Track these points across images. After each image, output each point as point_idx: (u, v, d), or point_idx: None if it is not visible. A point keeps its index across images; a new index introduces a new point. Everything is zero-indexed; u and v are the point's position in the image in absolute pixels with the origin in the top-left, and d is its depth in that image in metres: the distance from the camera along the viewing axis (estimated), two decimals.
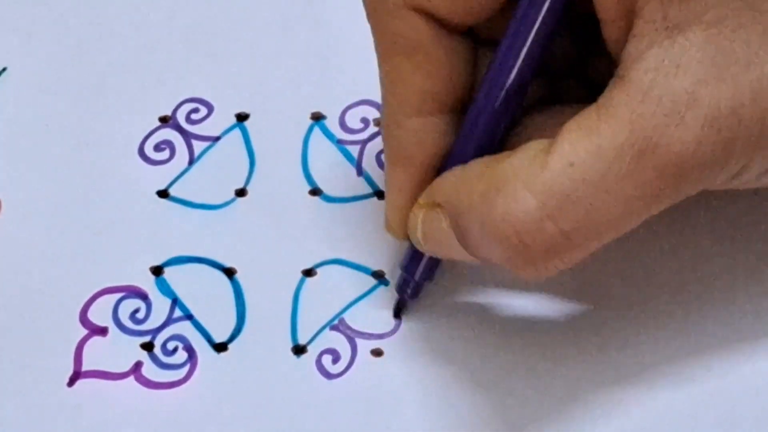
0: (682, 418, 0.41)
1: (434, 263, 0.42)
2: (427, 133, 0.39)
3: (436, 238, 0.39)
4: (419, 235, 0.39)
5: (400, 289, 0.43)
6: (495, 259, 0.37)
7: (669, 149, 0.34)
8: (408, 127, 0.39)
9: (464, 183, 0.38)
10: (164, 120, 0.47)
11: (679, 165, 0.35)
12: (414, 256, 0.41)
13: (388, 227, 0.42)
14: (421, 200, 0.40)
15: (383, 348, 0.42)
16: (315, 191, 0.45)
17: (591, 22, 0.37)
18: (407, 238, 0.41)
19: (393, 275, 0.44)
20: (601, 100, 0.35)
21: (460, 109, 0.40)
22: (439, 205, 0.38)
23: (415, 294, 0.42)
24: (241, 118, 0.47)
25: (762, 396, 0.41)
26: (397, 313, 0.43)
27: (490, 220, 0.36)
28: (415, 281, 0.42)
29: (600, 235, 0.36)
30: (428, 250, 0.40)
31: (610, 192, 0.35)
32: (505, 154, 0.37)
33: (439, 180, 0.39)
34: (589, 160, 0.35)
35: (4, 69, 0.48)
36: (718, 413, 0.41)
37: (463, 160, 0.38)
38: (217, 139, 0.47)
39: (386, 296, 0.43)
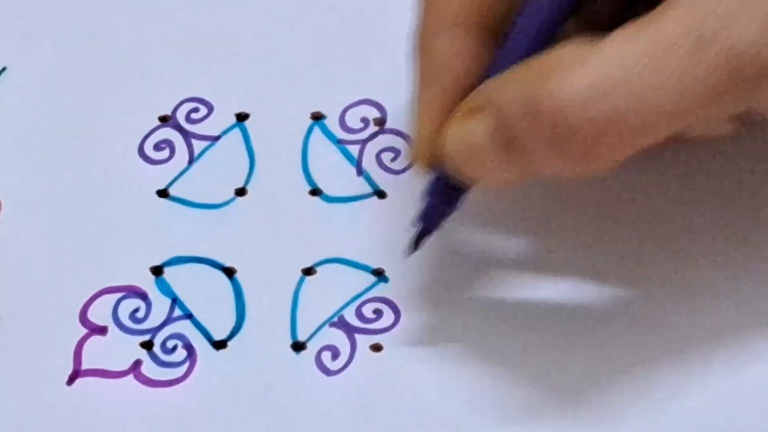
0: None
1: (459, 192, 0.39)
2: (465, 46, 0.38)
3: (470, 148, 0.36)
4: (450, 148, 0.37)
5: (424, 217, 0.40)
6: (537, 153, 0.35)
7: (729, 39, 0.33)
8: (445, 40, 0.38)
9: (508, 80, 0.36)
10: (164, 119, 0.47)
11: (739, 56, 0.33)
12: (432, 207, 0.40)
13: (414, 153, 0.39)
14: (457, 112, 0.37)
15: (383, 343, 0.42)
16: (315, 191, 0.45)
17: None
18: (433, 167, 0.39)
19: (393, 272, 0.44)
20: (657, 8, 0.34)
21: (499, 29, 0.38)
22: (478, 110, 0.36)
23: (438, 223, 0.40)
24: (241, 117, 0.47)
25: None
26: (417, 242, 0.41)
27: (536, 100, 0.34)
28: (440, 209, 0.40)
29: (652, 127, 0.34)
30: (458, 166, 0.37)
31: (665, 79, 0.33)
32: (551, 48, 0.35)
33: (478, 88, 0.37)
34: (645, 46, 0.33)
35: (4, 69, 0.48)
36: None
37: None
38: (216, 138, 0.47)
39: (386, 293, 0.43)
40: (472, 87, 0.38)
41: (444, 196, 0.40)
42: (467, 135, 0.36)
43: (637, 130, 0.34)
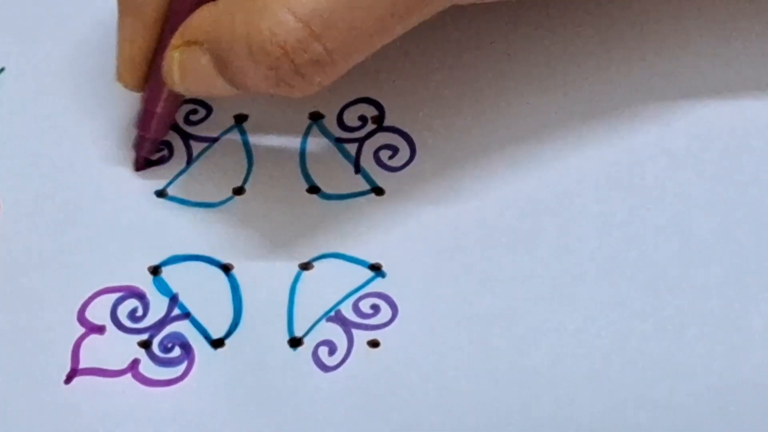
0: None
1: (166, 120, 0.45)
2: None
3: (195, 75, 0.41)
4: (176, 75, 0.41)
5: (137, 146, 0.45)
6: (260, 83, 0.39)
7: None
8: None
9: (223, 16, 0.40)
10: None
11: None
12: (147, 114, 0.44)
13: (120, 78, 0.44)
14: (175, 41, 0.41)
15: (380, 339, 0.42)
16: (313, 189, 0.45)
17: None
18: (140, 89, 0.44)
19: (391, 267, 0.44)
20: None
21: None
22: (196, 43, 0.40)
23: (151, 151, 0.45)
24: (240, 119, 0.47)
25: None
26: (138, 169, 0.46)
27: (257, 45, 0.39)
28: (150, 138, 0.45)
29: (359, 51, 0.40)
30: (186, 89, 0.42)
31: (367, 10, 0.39)
32: None
33: (193, 18, 0.41)
34: None
35: (3, 69, 0.49)
36: None
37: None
38: (215, 140, 0.47)
39: (384, 288, 0.43)
40: (164, 18, 0.43)
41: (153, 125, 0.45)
42: (189, 61, 0.41)
43: (347, 57, 0.39)
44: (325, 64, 0.39)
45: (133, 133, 0.46)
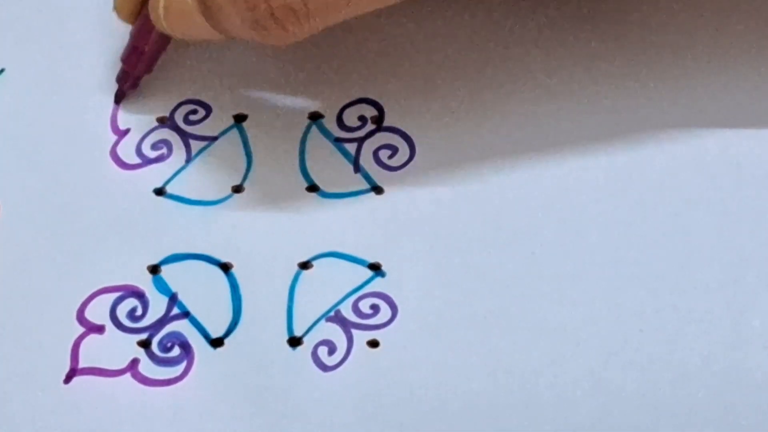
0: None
1: (151, 58, 0.46)
2: None
3: (178, 12, 0.42)
4: (160, 9, 0.42)
5: (120, 79, 0.47)
6: (239, 26, 0.40)
7: None
8: None
9: None
10: (162, 121, 0.47)
11: None
12: (134, 50, 0.45)
13: (116, 8, 0.45)
14: None
15: (379, 339, 0.42)
16: (312, 187, 0.45)
17: None
18: (133, 21, 0.45)
19: (390, 267, 0.43)
20: None
21: None
22: None
23: (134, 86, 0.47)
24: (239, 119, 0.47)
25: None
26: (117, 101, 0.47)
27: None
28: (133, 74, 0.46)
29: (335, 10, 0.40)
30: (167, 27, 0.43)
31: None
32: None
33: None
34: None
35: (2, 70, 0.49)
36: None
37: None
38: (214, 139, 0.47)
39: (383, 287, 0.43)
40: None
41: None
42: (176, 0, 0.42)
43: (324, 14, 0.40)
44: (300, 14, 0.40)
45: (119, 66, 0.47)
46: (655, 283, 0.43)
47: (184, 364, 0.42)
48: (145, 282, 0.44)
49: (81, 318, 0.43)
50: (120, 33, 0.48)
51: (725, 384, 0.41)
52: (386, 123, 0.47)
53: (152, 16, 0.43)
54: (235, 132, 0.47)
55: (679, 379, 0.41)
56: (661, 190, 0.45)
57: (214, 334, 0.43)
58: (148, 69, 0.46)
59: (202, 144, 0.47)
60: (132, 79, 0.46)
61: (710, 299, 0.43)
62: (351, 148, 0.46)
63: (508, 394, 0.41)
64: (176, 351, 0.43)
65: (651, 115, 0.46)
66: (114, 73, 0.48)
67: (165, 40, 0.45)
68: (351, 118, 0.47)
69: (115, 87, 0.48)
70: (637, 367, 0.42)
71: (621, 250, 0.44)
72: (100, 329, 0.43)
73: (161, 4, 0.42)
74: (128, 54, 0.46)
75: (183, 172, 0.46)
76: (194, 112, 0.47)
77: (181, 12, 0.42)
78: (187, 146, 0.47)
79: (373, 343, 0.42)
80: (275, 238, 0.44)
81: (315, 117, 0.47)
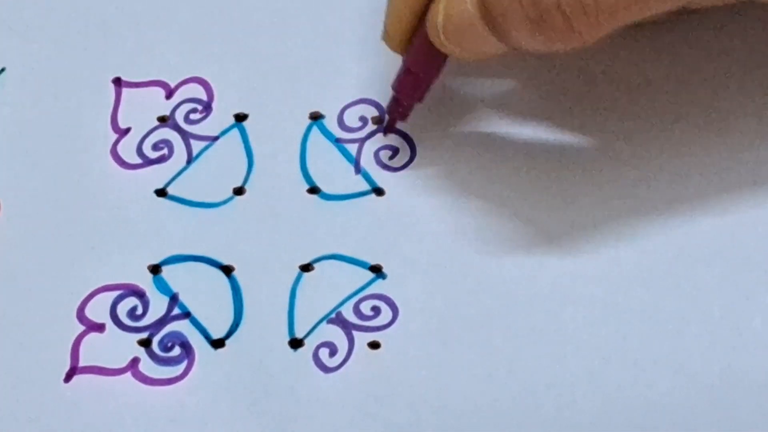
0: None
1: (424, 84, 0.43)
2: None
3: (458, 23, 0.39)
4: (440, 23, 0.40)
5: (390, 109, 0.45)
6: (524, 28, 0.38)
7: None
8: None
9: None
10: (163, 120, 0.47)
11: None
12: (407, 75, 0.43)
13: (386, 38, 0.43)
14: None
15: (380, 340, 0.42)
16: (313, 189, 0.45)
17: None
18: (404, 50, 0.43)
19: (392, 269, 0.44)
20: None
21: None
22: None
23: (405, 116, 0.44)
24: (240, 118, 0.47)
25: None
26: (386, 132, 0.45)
27: None
28: (406, 102, 0.44)
29: (628, 7, 0.37)
30: (446, 41, 0.40)
31: None
32: None
33: None
34: None
35: (3, 69, 0.48)
36: None
37: None
38: (215, 138, 0.47)
39: (384, 289, 0.43)
40: None
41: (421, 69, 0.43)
42: (455, 8, 0.39)
43: (614, 12, 0.37)
44: (589, 9, 0.37)
45: (390, 94, 0.45)
46: (656, 284, 0.43)
47: (184, 364, 0.43)
48: (145, 281, 0.44)
49: (81, 316, 0.43)
50: (122, 29, 0.49)
51: (726, 384, 0.41)
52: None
53: (430, 32, 0.41)
54: (235, 132, 0.47)
55: (680, 379, 0.41)
56: (664, 188, 0.45)
57: (215, 335, 0.43)
58: (421, 97, 0.44)
59: (203, 144, 0.47)
60: (404, 108, 0.44)
61: (710, 299, 0.43)
62: (352, 148, 0.46)
63: (508, 395, 0.41)
64: (177, 351, 0.43)
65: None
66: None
67: (439, 65, 0.43)
68: (352, 118, 0.47)
69: (110, 87, 0.48)
70: (637, 368, 0.42)
71: (621, 251, 0.44)
72: (100, 328, 0.43)
73: (441, 16, 0.40)
74: (401, 81, 0.44)
75: (184, 174, 0.46)
76: (194, 111, 0.47)
77: (462, 22, 0.39)
78: (188, 146, 0.47)
79: (374, 345, 0.42)
80: (276, 240, 0.44)
81: (316, 117, 0.47)
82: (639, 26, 0.42)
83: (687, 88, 0.46)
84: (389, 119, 0.45)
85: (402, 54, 0.43)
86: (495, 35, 0.39)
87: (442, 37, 0.40)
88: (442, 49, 0.41)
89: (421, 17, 0.42)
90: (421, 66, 0.43)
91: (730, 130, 0.45)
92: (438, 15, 0.40)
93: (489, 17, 0.39)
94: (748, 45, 0.47)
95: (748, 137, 0.45)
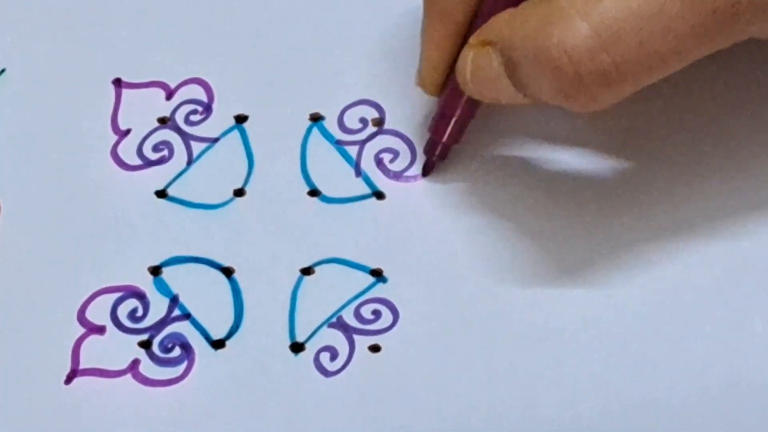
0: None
1: (462, 125, 0.44)
2: None
3: (484, 76, 0.40)
4: (468, 74, 0.41)
5: (428, 150, 0.45)
6: (545, 91, 0.38)
7: None
8: None
9: (518, 18, 0.39)
10: (163, 121, 0.47)
11: (733, 3, 0.36)
12: (442, 117, 0.44)
13: (421, 82, 0.44)
14: (472, 40, 0.41)
15: (381, 344, 0.43)
16: (313, 192, 0.45)
17: None
18: (438, 94, 0.44)
19: (392, 273, 0.44)
20: None
21: None
22: (490, 43, 0.40)
23: (443, 156, 0.45)
24: (240, 119, 0.47)
25: None
26: (425, 173, 0.45)
27: (544, 49, 0.37)
28: (443, 143, 0.44)
29: (650, 70, 0.37)
30: (474, 90, 0.41)
31: (664, 28, 0.36)
32: None
33: (492, 20, 0.40)
34: None
35: (3, 70, 0.48)
36: None
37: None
38: (215, 140, 0.47)
39: (385, 293, 0.43)
40: (470, 24, 0.42)
41: (449, 129, 0.44)
42: (481, 61, 0.40)
43: (637, 75, 0.37)
44: (611, 79, 0.37)
45: (426, 136, 0.45)
46: (656, 285, 0.43)
47: (184, 365, 0.43)
48: (145, 283, 0.44)
49: (81, 318, 0.43)
50: (122, 29, 0.49)
51: (726, 386, 0.42)
52: (387, 125, 0.47)
53: (459, 81, 0.41)
54: (236, 133, 0.47)
55: (681, 382, 0.42)
56: (663, 190, 0.45)
57: (216, 335, 0.43)
58: (458, 138, 0.44)
59: (204, 145, 0.47)
60: (442, 148, 0.45)
61: (711, 300, 0.43)
62: (352, 150, 0.46)
63: (508, 399, 0.42)
64: (177, 351, 0.43)
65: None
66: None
67: (474, 106, 0.44)
68: (352, 120, 0.47)
69: (110, 88, 0.48)
70: (637, 370, 0.42)
71: (621, 251, 0.44)
72: (100, 330, 0.43)
73: (468, 66, 0.41)
74: (437, 123, 0.44)
75: (184, 175, 0.46)
76: (195, 112, 0.47)
77: (489, 74, 0.40)
78: (188, 148, 0.47)
79: (375, 348, 0.42)
80: (277, 243, 0.44)
81: (316, 118, 0.47)
82: None
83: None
84: (427, 161, 0.45)
85: (436, 96, 0.44)
86: (520, 91, 0.39)
87: (470, 86, 0.41)
88: (472, 96, 0.42)
89: (453, 63, 0.42)
90: (455, 109, 0.44)
91: (732, 140, 0.45)
92: (466, 66, 0.41)
93: (513, 77, 0.39)
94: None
95: (751, 146, 0.45)
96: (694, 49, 0.37)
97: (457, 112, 0.44)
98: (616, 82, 0.37)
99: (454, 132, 0.44)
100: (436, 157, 0.45)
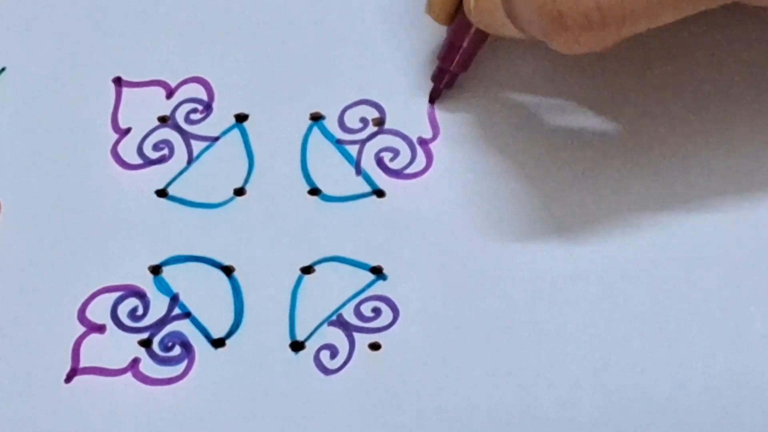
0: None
1: (470, 55, 0.45)
2: None
3: (485, 6, 0.41)
4: (471, 4, 0.42)
5: (436, 78, 0.46)
6: (533, 27, 0.39)
7: None
8: None
9: None
10: (163, 120, 0.47)
11: None
12: (451, 47, 0.45)
13: (430, 10, 0.44)
14: None
15: (381, 341, 0.42)
16: (314, 191, 0.45)
17: None
18: (448, 23, 0.44)
19: (392, 270, 0.44)
20: None
21: None
22: None
23: (450, 84, 0.46)
24: (240, 118, 0.47)
25: None
26: (432, 100, 0.46)
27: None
28: (451, 71, 0.45)
29: (633, 21, 0.38)
30: (477, 19, 0.42)
31: None
32: None
33: None
34: None
35: (3, 69, 0.48)
36: None
37: None
38: (216, 139, 0.47)
39: (385, 291, 0.43)
40: None
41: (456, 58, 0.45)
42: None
43: (619, 23, 0.37)
44: (594, 23, 0.38)
45: (435, 64, 0.46)
46: (656, 285, 0.43)
47: (185, 364, 0.43)
48: (146, 282, 0.44)
49: (82, 317, 0.43)
50: (123, 28, 0.49)
51: (726, 386, 0.42)
52: (388, 125, 0.47)
53: (465, 9, 0.43)
54: (236, 132, 0.47)
55: (680, 380, 0.42)
56: (663, 191, 0.45)
57: (216, 334, 0.43)
58: (465, 67, 0.46)
59: (204, 144, 0.47)
60: (449, 76, 0.46)
61: (712, 300, 0.43)
62: (352, 150, 0.46)
63: (508, 396, 0.41)
64: (177, 350, 0.43)
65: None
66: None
67: (481, 37, 0.45)
68: (352, 119, 0.47)
69: (111, 87, 0.48)
70: (637, 369, 0.42)
71: (621, 251, 0.44)
72: (100, 329, 0.43)
73: (474, 5, 0.42)
74: (445, 52, 0.45)
75: (185, 174, 0.46)
76: (195, 111, 0.47)
77: (488, 7, 0.41)
78: (189, 147, 0.47)
79: (375, 346, 0.42)
80: (277, 242, 0.44)
81: (316, 118, 0.47)
82: None
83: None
84: (434, 88, 0.46)
85: (446, 25, 0.45)
86: (515, 26, 0.40)
87: (474, 16, 0.42)
88: (477, 26, 0.43)
89: None
90: (463, 38, 0.45)
91: (742, 131, 0.45)
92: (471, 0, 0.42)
93: (510, 11, 0.40)
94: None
95: (757, 139, 0.45)
96: (679, 5, 0.38)
97: (465, 43, 0.45)
98: (599, 27, 0.38)
99: (461, 61, 0.45)
100: (443, 85, 0.46)
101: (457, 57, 0.45)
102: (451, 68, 0.46)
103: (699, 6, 0.38)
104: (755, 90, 0.46)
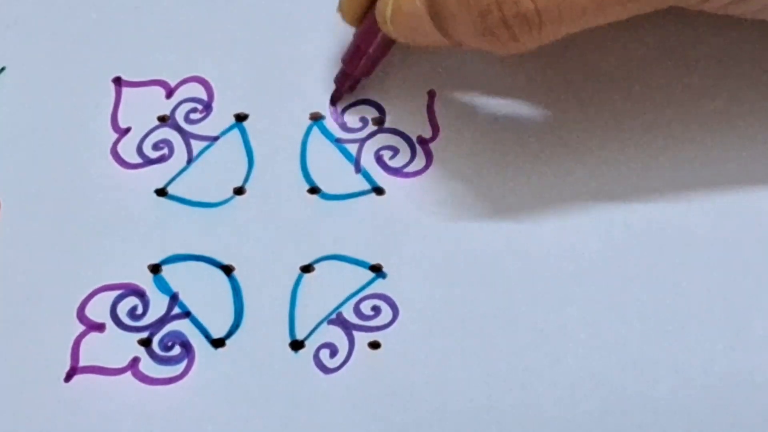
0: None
1: (375, 61, 0.45)
2: None
3: (406, 16, 0.41)
4: (388, 13, 0.41)
5: (338, 80, 0.46)
6: (469, 31, 0.39)
7: None
8: None
9: None
10: (163, 119, 0.47)
11: None
12: (357, 50, 0.45)
13: (340, 8, 0.44)
14: None
15: (380, 340, 0.42)
16: (313, 189, 0.45)
17: None
18: (356, 24, 0.44)
19: (392, 268, 0.44)
20: None
21: None
22: None
23: (352, 89, 0.46)
24: (240, 118, 0.47)
25: None
26: (333, 102, 0.47)
27: None
28: (354, 75, 0.46)
29: (571, 20, 0.39)
30: (392, 30, 0.42)
31: None
32: None
33: None
34: None
35: (3, 68, 0.48)
36: None
37: None
38: (215, 139, 0.47)
39: (384, 289, 0.43)
40: None
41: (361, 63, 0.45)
42: (403, 2, 0.41)
43: (557, 23, 0.39)
44: (533, 23, 0.39)
45: (338, 66, 0.46)
46: (657, 285, 0.43)
47: (184, 363, 0.43)
48: (145, 281, 0.44)
49: (81, 316, 0.43)
50: (123, 28, 0.49)
51: (726, 386, 0.42)
52: (387, 125, 0.47)
53: (378, 19, 0.42)
54: (236, 132, 0.47)
55: (680, 381, 0.42)
56: (663, 190, 0.45)
57: (216, 334, 0.43)
58: (369, 72, 0.46)
59: (204, 144, 0.47)
60: (351, 80, 0.46)
61: (711, 301, 0.43)
62: (352, 148, 0.46)
63: (508, 395, 0.41)
64: (177, 350, 0.43)
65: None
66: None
67: (389, 43, 0.45)
68: (352, 119, 0.47)
69: (110, 86, 0.48)
70: (637, 369, 0.42)
71: (621, 251, 0.44)
72: (100, 327, 0.43)
73: (389, 7, 0.41)
74: (350, 55, 0.45)
75: (184, 174, 0.46)
76: (195, 110, 0.47)
77: (410, 16, 0.41)
78: (188, 146, 0.47)
79: (375, 345, 0.42)
80: (277, 240, 0.44)
81: (316, 118, 0.47)
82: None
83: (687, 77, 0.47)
84: (336, 89, 0.46)
85: (355, 26, 0.45)
86: (441, 33, 0.40)
87: (390, 27, 0.42)
88: (390, 36, 0.43)
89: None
90: (370, 44, 0.45)
91: (736, 126, 0.46)
92: (387, 5, 0.41)
93: (436, 18, 0.40)
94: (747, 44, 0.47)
95: (754, 136, 0.45)
96: (611, 7, 0.39)
97: (372, 48, 0.45)
98: (537, 27, 0.39)
99: (365, 66, 0.45)
100: (346, 89, 0.46)
101: (362, 61, 0.45)
102: (355, 73, 0.45)
103: (634, 10, 0.39)
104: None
